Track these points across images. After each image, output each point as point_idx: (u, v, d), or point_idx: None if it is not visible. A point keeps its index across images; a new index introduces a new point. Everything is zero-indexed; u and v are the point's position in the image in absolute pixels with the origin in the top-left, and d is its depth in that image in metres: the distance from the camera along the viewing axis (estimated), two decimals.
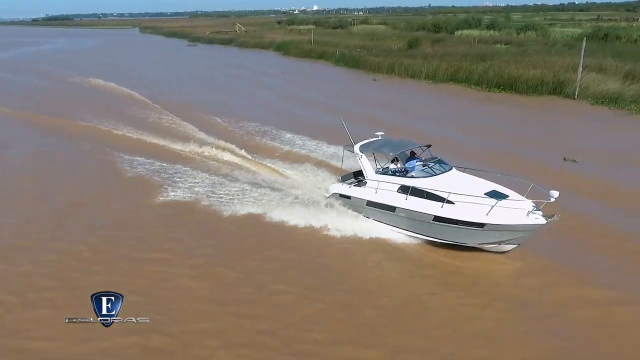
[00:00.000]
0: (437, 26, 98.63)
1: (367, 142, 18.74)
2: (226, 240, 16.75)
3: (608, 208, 18.28)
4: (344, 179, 19.48)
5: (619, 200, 18.85)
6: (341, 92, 45.81)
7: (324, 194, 19.30)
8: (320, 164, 23.79)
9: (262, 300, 13.30)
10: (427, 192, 15.52)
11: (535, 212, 14.09)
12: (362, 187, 17.81)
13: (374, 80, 51.34)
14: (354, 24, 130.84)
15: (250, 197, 20.02)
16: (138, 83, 50.50)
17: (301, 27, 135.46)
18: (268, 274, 14.59)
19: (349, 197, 18.00)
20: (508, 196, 14.74)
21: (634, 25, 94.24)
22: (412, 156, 17.61)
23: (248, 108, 39.03)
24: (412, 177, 16.34)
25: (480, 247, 15.42)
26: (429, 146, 17.93)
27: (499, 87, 42.82)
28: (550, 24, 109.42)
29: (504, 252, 15.22)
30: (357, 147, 18.35)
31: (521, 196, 14.73)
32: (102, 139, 29.67)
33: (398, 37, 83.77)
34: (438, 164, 16.73)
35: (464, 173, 16.67)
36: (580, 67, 38.68)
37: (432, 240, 15.90)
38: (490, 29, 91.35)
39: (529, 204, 14.37)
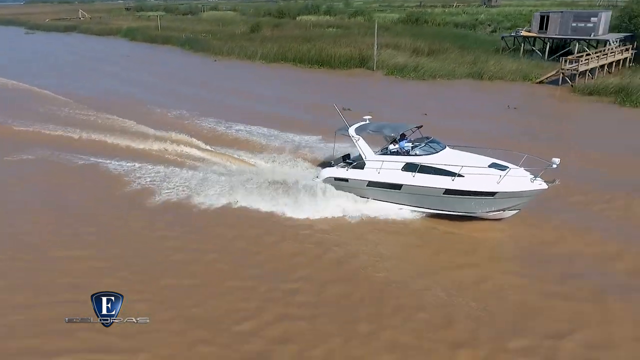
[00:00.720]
0: (281, 12, 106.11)
1: (361, 125, 18.91)
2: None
3: None
4: (335, 162, 19.55)
5: None
6: (185, 71, 50.95)
7: (315, 179, 19.19)
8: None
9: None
10: (435, 168, 16.19)
11: (537, 178, 15.43)
12: (361, 168, 17.94)
13: (215, 61, 56.83)
14: (204, 10, 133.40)
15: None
16: None
17: (150, 13, 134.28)
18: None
19: (346, 180, 18.11)
20: (508, 167, 15.78)
21: (446, 11, 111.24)
22: (402, 137, 18.28)
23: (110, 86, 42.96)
24: (416, 155, 16.87)
25: (484, 216, 16.44)
26: (420, 127, 18.62)
27: (319, 64, 51.00)
28: (383, 10, 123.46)
29: (501, 218, 16.51)
30: (352, 130, 18.44)
31: (516, 166, 15.93)
32: None
33: (244, 22, 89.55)
34: (434, 143, 17.38)
35: (456, 150, 17.41)
36: (375, 45, 48.12)
37: (435, 213, 16.88)
38: (327, 15, 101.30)
39: (526, 172, 15.73)
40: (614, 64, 42.75)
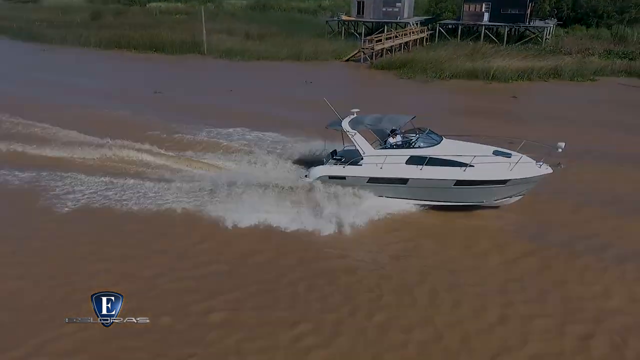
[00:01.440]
0: None
1: (354, 118, 17.61)
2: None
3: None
4: (326, 159, 18.20)
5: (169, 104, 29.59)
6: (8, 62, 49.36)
7: (304, 179, 17.62)
8: None
9: None
10: (444, 159, 15.67)
11: (543, 163, 15.40)
12: (359, 165, 16.86)
13: (43, 50, 55.26)
14: None
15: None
16: None
17: None
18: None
19: (343, 178, 16.98)
20: (511, 153, 15.64)
21: None
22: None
23: None
24: (420, 147, 16.19)
25: (492, 204, 16.33)
26: (414, 117, 17.67)
27: (153, 49, 52.36)
28: None
29: (498, 206, 16.48)
30: (346, 125, 17.14)
31: (517, 152, 15.67)
32: None
33: (89, 10, 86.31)
34: (433, 134, 16.79)
35: (453, 140, 16.92)
36: (204, 31, 50.72)
37: (443, 205, 16.33)
38: (178, 2, 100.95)
39: (529, 157, 15.61)
40: (412, 43, 49.70)
